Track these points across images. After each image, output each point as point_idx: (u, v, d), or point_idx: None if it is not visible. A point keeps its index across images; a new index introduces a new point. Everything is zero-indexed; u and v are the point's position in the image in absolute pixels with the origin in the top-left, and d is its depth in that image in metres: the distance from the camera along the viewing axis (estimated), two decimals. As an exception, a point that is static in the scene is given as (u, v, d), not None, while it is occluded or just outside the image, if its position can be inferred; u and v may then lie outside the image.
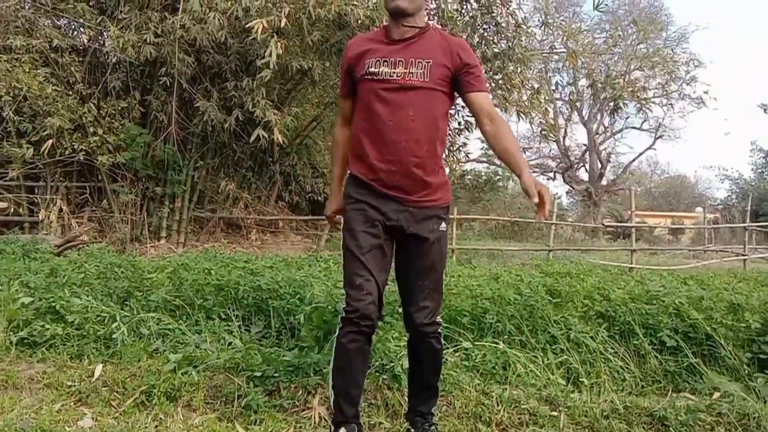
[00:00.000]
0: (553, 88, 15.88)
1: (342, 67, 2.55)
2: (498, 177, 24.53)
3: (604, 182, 31.05)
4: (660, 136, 30.90)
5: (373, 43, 2.42)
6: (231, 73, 9.77)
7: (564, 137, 30.85)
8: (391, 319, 3.80)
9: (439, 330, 2.52)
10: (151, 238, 9.99)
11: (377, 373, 3.17)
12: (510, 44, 11.33)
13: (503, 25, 11.31)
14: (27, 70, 8.88)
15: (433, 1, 11.95)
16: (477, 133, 13.76)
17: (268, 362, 3.22)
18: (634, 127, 31.25)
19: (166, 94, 9.82)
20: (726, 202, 35.04)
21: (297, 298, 4.07)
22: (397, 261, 2.52)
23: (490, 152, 23.75)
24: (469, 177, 23.75)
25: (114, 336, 3.64)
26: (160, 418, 2.81)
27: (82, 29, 10.22)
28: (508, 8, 11.42)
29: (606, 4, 16.40)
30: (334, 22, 9.27)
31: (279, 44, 7.97)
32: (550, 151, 32.57)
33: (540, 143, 28.29)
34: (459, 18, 11.38)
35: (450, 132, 13.02)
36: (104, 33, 9.83)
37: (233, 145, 10.85)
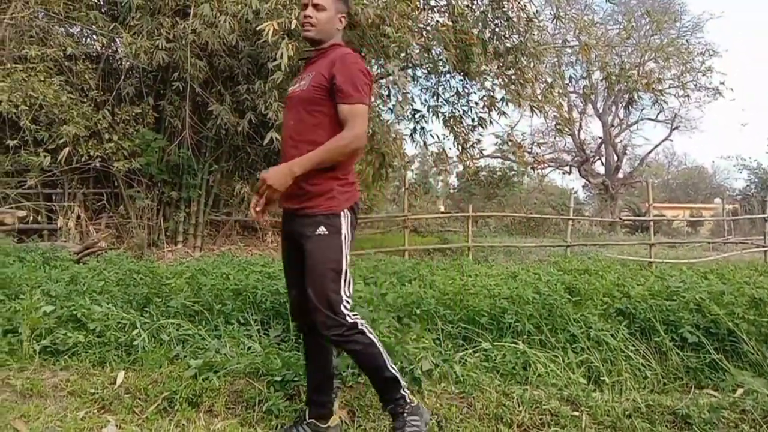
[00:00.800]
0: (567, 81, 15.73)
1: None
2: (513, 172, 24.36)
3: (620, 175, 30.78)
4: (676, 127, 30.59)
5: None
6: (243, 77, 9.81)
7: (579, 131, 30.62)
8: (408, 321, 3.79)
9: (343, 332, 2.46)
10: (168, 243, 10.06)
11: (397, 376, 3.16)
12: (522, 39, 11.27)
13: (514, 19, 11.24)
14: (42, 79, 8.98)
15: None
16: (490, 128, 13.73)
17: (287, 366, 3.24)
18: (649, 119, 30.97)
19: (179, 98, 9.88)
20: (745, 192, 34.57)
21: (315, 301, 4.06)
22: None
23: (504, 148, 23.71)
24: (484, 173, 23.63)
25: (135, 343, 3.67)
26: (183, 424, 2.84)
27: (95, 37, 10.32)
28: (519, 2, 11.36)
29: (618, -4, 16.24)
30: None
31: (290, 46, 7.98)
32: (565, 145, 32.34)
33: (555, 137, 28.06)
34: (469, 14, 11.33)
35: (463, 129, 12.98)
36: (117, 40, 9.92)
37: (247, 148, 10.89)
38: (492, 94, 12.46)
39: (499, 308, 3.90)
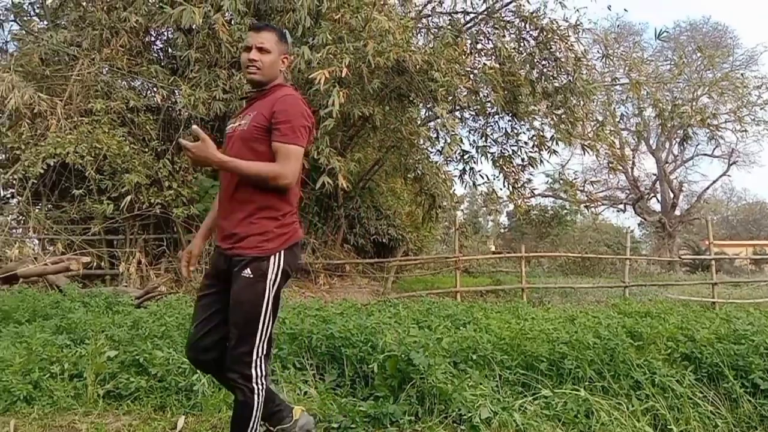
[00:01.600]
0: (618, 119, 15.55)
1: None
2: (565, 211, 24.00)
3: (677, 212, 29.88)
4: (734, 162, 29.66)
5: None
6: (296, 124, 10.06)
7: (632, 168, 30.02)
8: (464, 366, 3.74)
9: (244, 382, 2.45)
10: (224, 287, 10.23)
11: (455, 424, 3.12)
12: (571, 78, 11.25)
13: (562, 59, 11.26)
14: (106, 130, 9.46)
15: (490, 41, 12.07)
16: (541, 167, 13.62)
17: (344, 413, 3.22)
18: (705, 154, 30.14)
19: (235, 147, 10.18)
20: (811, 227, 33.01)
21: (369, 346, 4.06)
22: None
23: (556, 186, 23.38)
24: (535, 212, 23.34)
25: (195, 387, 3.72)
26: (242, 471, 2.83)
27: (155, 89, 10.82)
28: (566, 43, 11.39)
29: (668, 32, 16.11)
30: (393, 69, 9.47)
31: (341, 93, 8.19)
32: (619, 182, 31.67)
33: (607, 175, 27.60)
34: (517, 56, 11.41)
35: (513, 169, 12.93)
36: (176, 92, 10.38)
37: (300, 193, 11.10)
38: (541, 133, 12.42)
39: (558, 353, 3.81)
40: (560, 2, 11.36)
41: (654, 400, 3.47)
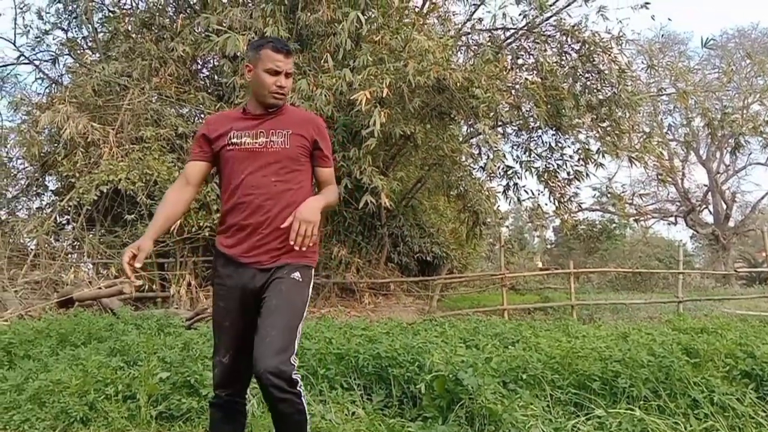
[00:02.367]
0: (666, 130, 15.21)
1: (197, 136, 2.78)
2: (614, 225, 23.45)
3: (731, 224, 28.89)
4: (791, 170, 28.59)
5: (233, 121, 2.64)
6: (339, 144, 10.18)
7: (682, 179, 29.23)
8: (514, 386, 3.68)
9: (291, 388, 2.36)
10: (270, 307, 10.36)
11: (506, 445, 3.05)
12: (615, 90, 11.08)
13: (606, 72, 11.11)
14: (156, 156, 9.74)
15: (531, 56, 12.00)
16: (587, 181, 13.40)
17: (393, 434, 3.20)
18: (759, 163, 29.07)
19: (279, 169, 10.36)
20: None
21: (416, 366, 4.03)
22: None
23: (603, 200, 22.89)
24: (583, 227, 22.88)
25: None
26: (292, 493, 2.83)
27: (202, 116, 11.12)
28: (609, 55, 11.24)
29: (714, 40, 15.72)
30: (433, 87, 9.51)
31: (382, 113, 8.26)
32: (669, 194, 30.82)
33: (657, 187, 26.92)
34: (559, 69, 11.31)
35: (559, 183, 12.77)
36: (222, 117, 10.62)
37: (343, 212, 11.19)
38: (587, 146, 12.25)
39: (611, 372, 3.70)
40: (602, 15, 11.24)
41: (713, 420, 3.33)
